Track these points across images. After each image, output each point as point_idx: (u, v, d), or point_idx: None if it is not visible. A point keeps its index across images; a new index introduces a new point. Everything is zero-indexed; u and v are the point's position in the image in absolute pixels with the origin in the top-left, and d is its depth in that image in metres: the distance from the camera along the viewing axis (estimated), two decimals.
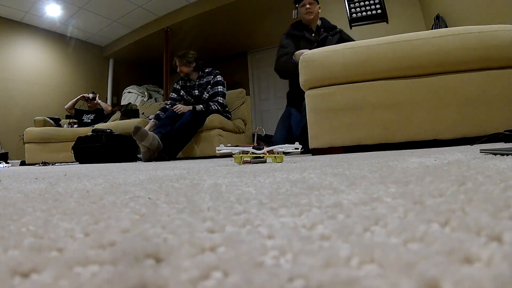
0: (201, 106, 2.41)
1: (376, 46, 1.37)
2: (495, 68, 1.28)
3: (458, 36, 1.29)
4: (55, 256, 0.13)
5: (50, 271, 0.11)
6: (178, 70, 2.53)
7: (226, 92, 2.59)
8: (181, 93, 2.60)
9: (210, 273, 0.10)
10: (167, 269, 0.11)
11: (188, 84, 2.58)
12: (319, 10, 2.19)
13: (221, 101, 2.48)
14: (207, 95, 2.51)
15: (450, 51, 1.29)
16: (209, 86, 2.51)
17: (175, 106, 2.38)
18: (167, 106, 2.55)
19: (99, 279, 0.10)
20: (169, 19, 4.26)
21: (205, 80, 2.53)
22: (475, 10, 2.18)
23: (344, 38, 2.09)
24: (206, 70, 2.56)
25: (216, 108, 2.45)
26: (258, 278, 0.09)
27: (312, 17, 2.14)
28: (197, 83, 2.55)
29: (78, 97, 3.64)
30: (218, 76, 2.53)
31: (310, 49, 2.07)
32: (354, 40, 1.94)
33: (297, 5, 2.24)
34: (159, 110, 2.56)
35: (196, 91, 2.54)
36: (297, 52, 1.87)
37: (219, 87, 2.49)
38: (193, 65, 2.51)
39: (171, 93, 2.66)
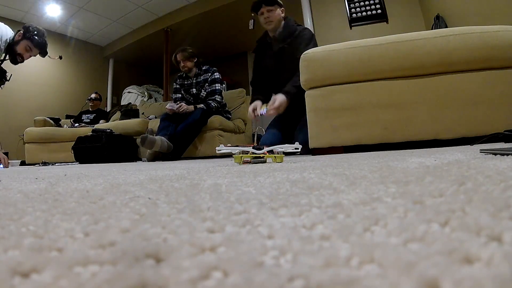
0: (202, 105, 2.41)
1: (377, 45, 1.37)
2: (496, 68, 1.28)
3: (460, 36, 1.29)
4: (55, 256, 0.13)
5: (50, 271, 0.11)
6: (181, 65, 2.50)
7: (223, 89, 2.58)
8: (181, 92, 2.59)
9: (210, 273, 0.10)
10: (167, 269, 0.11)
11: (186, 82, 2.57)
12: (282, 14, 1.87)
13: (219, 99, 2.48)
14: (205, 93, 2.49)
15: (452, 51, 1.29)
16: (207, 84, 2.49)
17: (178, 106, 2.34)
18: None
19: (99, 279, 0.10)
20: (169, 19, 4.27)
21: (202, 78, 2.51)
22: (475, 10, 2.18)
23: (295, 44, 1.78)
24: (204, 68, 2.54)
25: (214, 105, 2.44)
26: (258, 278, 0.09)
27: (272, 26, 1.83)
28: (194, 81, 2.53)
29: None
30: (215, 74, 2.51)
31: (271, 67, 1.83)
32: (311, 40, 1.75)
33: (252, 14, 1.91)
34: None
35: (194, 89, 2.53)
36: (249, 113, 1.78)
37: (216, 85, 2.47)
38: (195, 60, 2.50)
39: (175, 94, 2.63)
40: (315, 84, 1.47)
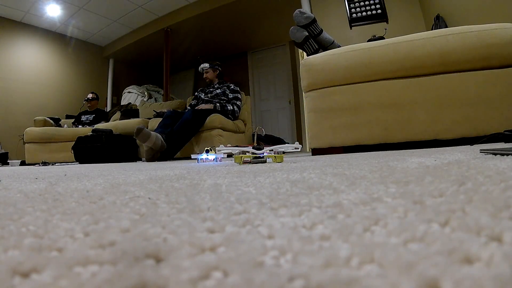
0: (218, 104, 2.55)
1: (377, 47, 1.37)
2: (494, 67, 1.28)
3: (458, 35, 1.29)
4: (55, 256, 0.13)
5: (50, 271, 0.11)
6: (205, 76, 2.80)
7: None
8: (202, 97, 2.77)
9: (210, 273, 0.10)
10: (167, 269, 0.11)
11: (210, 89, 2.81)
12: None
13: (238, 106, 2.69)
14: (225, 99, 2.71)
15: (451, 50, 1.29)
16: (228, 91, 2.71)
17: (199, 106, 2.58)
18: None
19: (99, 279, 0.10)
20: (169, 19, 4.26)
21: (220, 90, 2.72)
22: (475, 10, 2.18)
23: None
24: (226, 83, 2.79)
25: (231, 108, 2.62)
26: (258, 278, 0.09)
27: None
28: (216, 90, 2.74)
29: None
30: (237, 87, 2.78)
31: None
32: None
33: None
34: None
35: (210, 94, 2.73)
36: None
37: (238, 95, 2.73)
38: (217, 72, 2.84)
39: (192, 100, 2.88)
40: (316, 87, 1.47)
